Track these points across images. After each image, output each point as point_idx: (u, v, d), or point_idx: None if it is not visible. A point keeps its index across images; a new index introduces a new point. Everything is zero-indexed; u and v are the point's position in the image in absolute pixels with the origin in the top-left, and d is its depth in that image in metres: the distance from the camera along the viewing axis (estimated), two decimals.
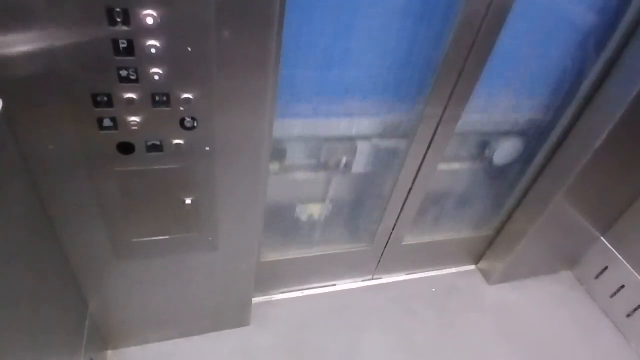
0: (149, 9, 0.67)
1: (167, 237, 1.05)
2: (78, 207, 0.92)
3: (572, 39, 1.19)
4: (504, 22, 1.02)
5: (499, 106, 1.30)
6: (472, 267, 1.85)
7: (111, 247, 1.02)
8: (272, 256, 1.45)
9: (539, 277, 1.85)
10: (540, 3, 1.07)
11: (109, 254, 1.03)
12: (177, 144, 0.86)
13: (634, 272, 1.63)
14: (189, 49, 0.73)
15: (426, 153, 1.28)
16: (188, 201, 0.98)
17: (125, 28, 0.69)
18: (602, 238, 1.74)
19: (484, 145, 1.43)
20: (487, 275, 1.80)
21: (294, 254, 1.48)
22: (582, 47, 1.21)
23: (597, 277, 1.78)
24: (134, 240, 1.02)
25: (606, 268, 1.74)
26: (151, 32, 0.70)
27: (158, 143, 0.86)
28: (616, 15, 1.15)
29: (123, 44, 0.70)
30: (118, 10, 0.66)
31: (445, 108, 1.17)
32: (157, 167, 0.90)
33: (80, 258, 1.02)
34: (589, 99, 1.30)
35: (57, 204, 0.89)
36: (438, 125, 1.21)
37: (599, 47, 1.22)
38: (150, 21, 0.68)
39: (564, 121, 1.37)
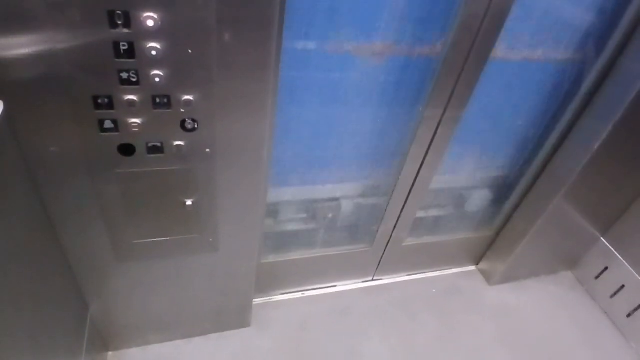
0: (150, 12, 0.68)
1: (168, 238, 1.05)
2: (79, 209, 0.92)
3: (571, 41, 1.19)
4: (502, 25, 1.03)
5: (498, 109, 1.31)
6: (473, 267, 1.86)
7: (112, 249, 1.02)
8: (272, 257, 1.45)
9: (539, 278, 1.85)
10: (538, 6, 1.08)
11: (110, 256, 1.03)
12: (177, 146, 0.87)
13: (634, 272, 1.63)
14: (190, 51, 0.74)
15: (426, 154, 1.28)
16: (189, 202, 0.98)
17: (126, 30, 0.69)
18: (602, 238, 1.75)
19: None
20: (487, 276, 1.80)
21: (294, 255, 1.49)
22: (581, 49, 1.22)
23: (597, 277, 1.79)
24: (135, 241, 1.03)
25: (606, 268, 1.74)
26: (152, 34, 0.70)
27: (159, 145, 0.86)
28: (614, 17, 1.16)
29: (124, 46, 0.71)
30: (119, 12, 0.67)
31: (445, 110, 1.17)
32: (157, 169, 0.90)
33: (80, 259, 1.02)
34: (587, 101, 1.31)
35: (58, 206, 0.90)
36: (437, 126, 1.21)
37: (597, 49, 1.22)
38: (150, 23, 0.69)
39: (563, 122, 1.37)
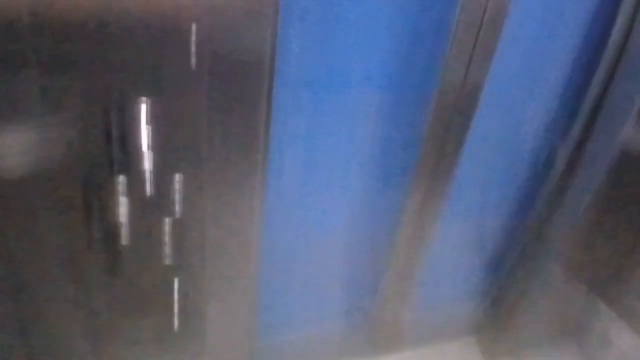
0: (142, 97, 0.69)
1: None
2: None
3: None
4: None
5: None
6: (472, 339, 1.79)
7: None
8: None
9: (541, 348, 1.79)
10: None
11: None
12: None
13: (638, 338, 1.59)
14: (180, 137, 0.75)
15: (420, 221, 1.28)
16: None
17: (117, 116, 0.70)
18: (604, 305, 1.71)
19: None
20: (486, 349, 1.73)
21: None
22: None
23: (600, 346, 1.73)
24: None
25: (610, 337, 1.70)
26: (143, 121, 0.72)
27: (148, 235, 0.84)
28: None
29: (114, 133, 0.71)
30: (111, 97, 0.68)
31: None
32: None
33: None
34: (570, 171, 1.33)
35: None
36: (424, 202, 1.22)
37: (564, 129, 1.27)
38: (142, 109, 0.70)
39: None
